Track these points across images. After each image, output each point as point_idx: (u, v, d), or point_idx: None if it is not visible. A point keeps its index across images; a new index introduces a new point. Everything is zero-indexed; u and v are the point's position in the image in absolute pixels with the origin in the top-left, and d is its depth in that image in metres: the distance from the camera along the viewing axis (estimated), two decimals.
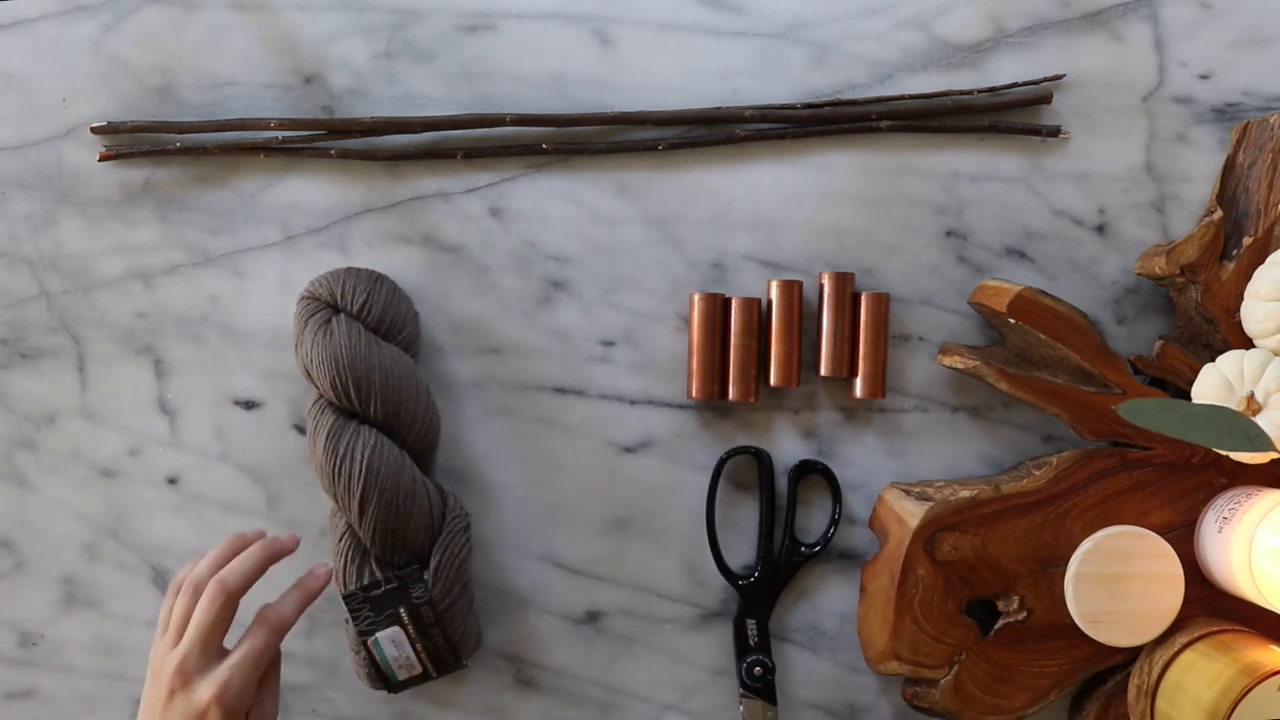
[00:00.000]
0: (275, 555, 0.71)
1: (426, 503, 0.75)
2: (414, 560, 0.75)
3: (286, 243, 0.82)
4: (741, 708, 0.81)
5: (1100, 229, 0.82)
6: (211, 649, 0.67)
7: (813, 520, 0.82)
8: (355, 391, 0.74)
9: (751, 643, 0.81)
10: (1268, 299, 0.73)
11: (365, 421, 0.75)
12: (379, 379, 0.74)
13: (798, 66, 0.82)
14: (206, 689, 0.65)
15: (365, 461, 0.73)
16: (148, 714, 0.67)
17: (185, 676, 0.66)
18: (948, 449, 0.82)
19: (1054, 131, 0.81)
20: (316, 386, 0.76)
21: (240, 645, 0.67)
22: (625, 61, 0.81)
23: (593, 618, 0.82)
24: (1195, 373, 0.76)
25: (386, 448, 0.74)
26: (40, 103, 0.81)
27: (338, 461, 0.74)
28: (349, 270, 0.78)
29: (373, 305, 0.76)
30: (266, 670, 0.69)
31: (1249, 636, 0.74)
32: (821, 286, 0.80)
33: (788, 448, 0.82)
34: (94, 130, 0.81)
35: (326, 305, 0.77)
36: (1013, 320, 0.77)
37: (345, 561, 0.75)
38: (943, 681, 0.77)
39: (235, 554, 0.70)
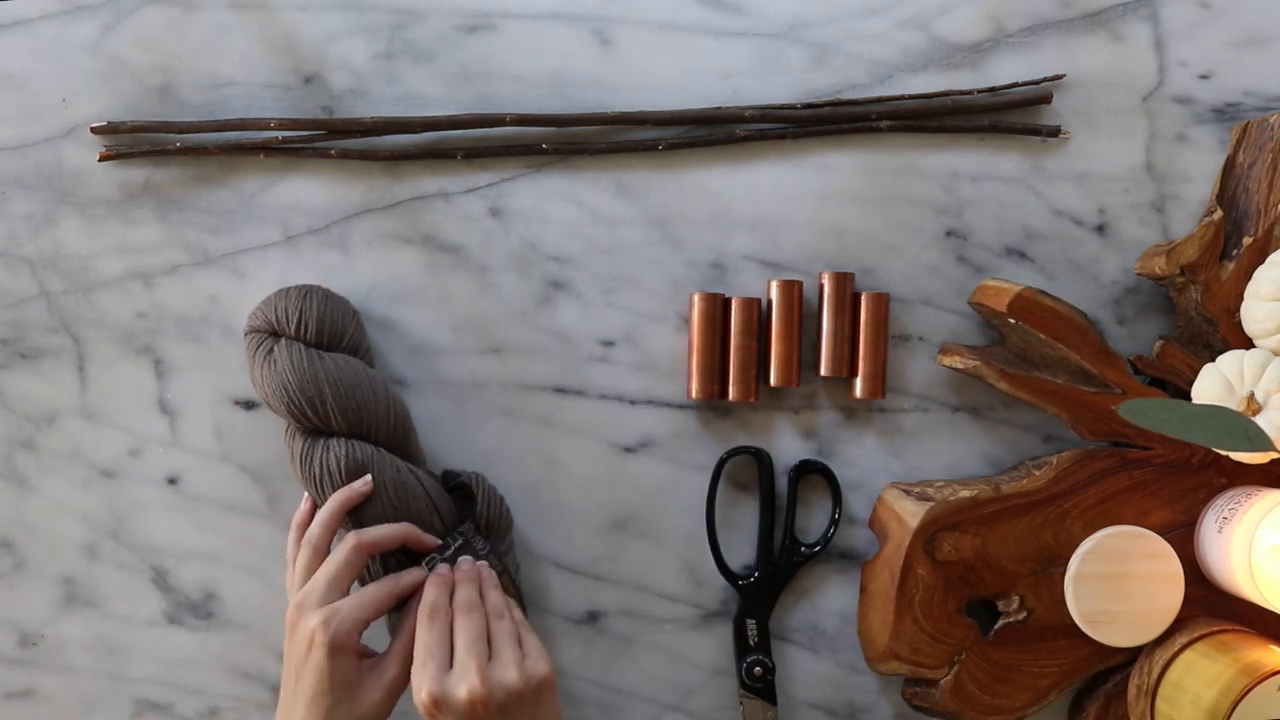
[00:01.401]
0: (413, 539, 0.74)
1: (420, 487, 0.75)
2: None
3: (286, 243, 0.82)
4: (742, 708, 0.81)
5: (1100, 229, 0.82)
6: (334, 592, 0.70)
7: (813, 520, 0.82)
8: (311, 409, 0.74)
9: (751, 643, 0.81)
10: (1268, 299, 0.73)
11: (332, 434, 0.75)
12: (330, 391, 0.74)
13: (798, 66, 0.81)
14: (315, 616, 0.68)
15: (343, 472, 0.74)
16: (285, 660, 0.71)
17: (301, 609, 0.69)
18: (948, 449, 0.82)
19: (1054, 131, 0.81)
20: (279, 415, 0.76)
21: (324, 566, 0.71)
22: (625, 61, 0.81)
23: (593, 618, 0.82)
24: (1195, 373, 0.76)
25: (360, 451, 0.75)
26: (40, 103, 0.81)
27: (317, 479, 0.74)
28: (278, 293, 0.78)
29: (307, 320, 0.76)
30: (399, 651, 0.71)
31: (1249, 636, 0.74)
32: (821, 286, 0.80)
33: (788, 448, 0.82)
34: (94, 130, 0.81)
35: (268, 334, 0.77)
36: (1013, 320, 0.77)
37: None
38: (943, 681, 0.77)
39: (342, 512, 0.73)
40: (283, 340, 0.76)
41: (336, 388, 0.75)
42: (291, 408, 0.75)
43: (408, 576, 0.73)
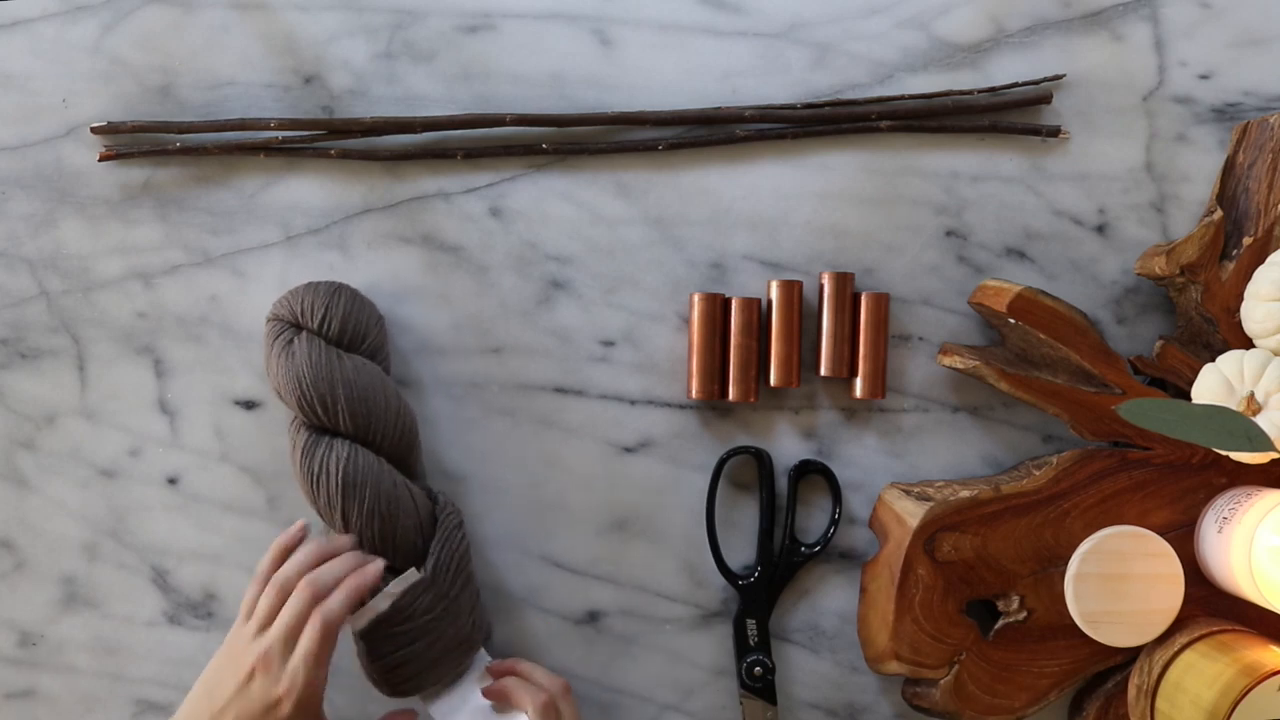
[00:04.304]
0: (366, 588, 0.72)
1: (412, 504, 0.75)
2: (410, 562, 0.75)
3: (286, 243, 0.82)
4: (742, 707, 0.81)
5: (1100, 229, 0.82)
6: (316, 670, 0.70)
7: (813, 520, 0.82)
8: (321, 407, 0.74)
9: (751, 643, 0.81)
10: (1268, 299, 0.73)
11: (337, 435, 0.75)
12: (343, 392, 0.74)
13: (798, 66, 0.82)
14: (282, 683, 0.69)
15: (340, 474, 0.74)
16: (217, 687, 0.70)
17: (268, 664, 0.69)
18: (948, 449, 0.82)
19: (1054, 131, 0.81)
20: (287, 406, 0.76)
21: (299, 647, 0.70)
22: (625, 61, 0.81)
23: (593, 618, 0.82)
24: (1195, 373, 0.76)
25: (362, 457, 0.74)
26: (40, 103, 0.81)
27: (314, 477, 0.74)
28: (307, 286, 0.78)
29: (331, 318, 0.76)
30: None
31: (1249, 636, 0.74)
32: (821, 286, 0.80)
33: (788, 448, 0.82)
34: (94, 130, 0.81)
35: (290, 325, 0.77)
36: (1013, 320, 0.77)
37: None
38: (943, 681, 0.77)
39: (322, 559, 0.72)
40: (304, 333, 0.76)
41: (350, 390, 0.74)
42: (302, 402, 0.75)
43: (336, 609, 0.71)
